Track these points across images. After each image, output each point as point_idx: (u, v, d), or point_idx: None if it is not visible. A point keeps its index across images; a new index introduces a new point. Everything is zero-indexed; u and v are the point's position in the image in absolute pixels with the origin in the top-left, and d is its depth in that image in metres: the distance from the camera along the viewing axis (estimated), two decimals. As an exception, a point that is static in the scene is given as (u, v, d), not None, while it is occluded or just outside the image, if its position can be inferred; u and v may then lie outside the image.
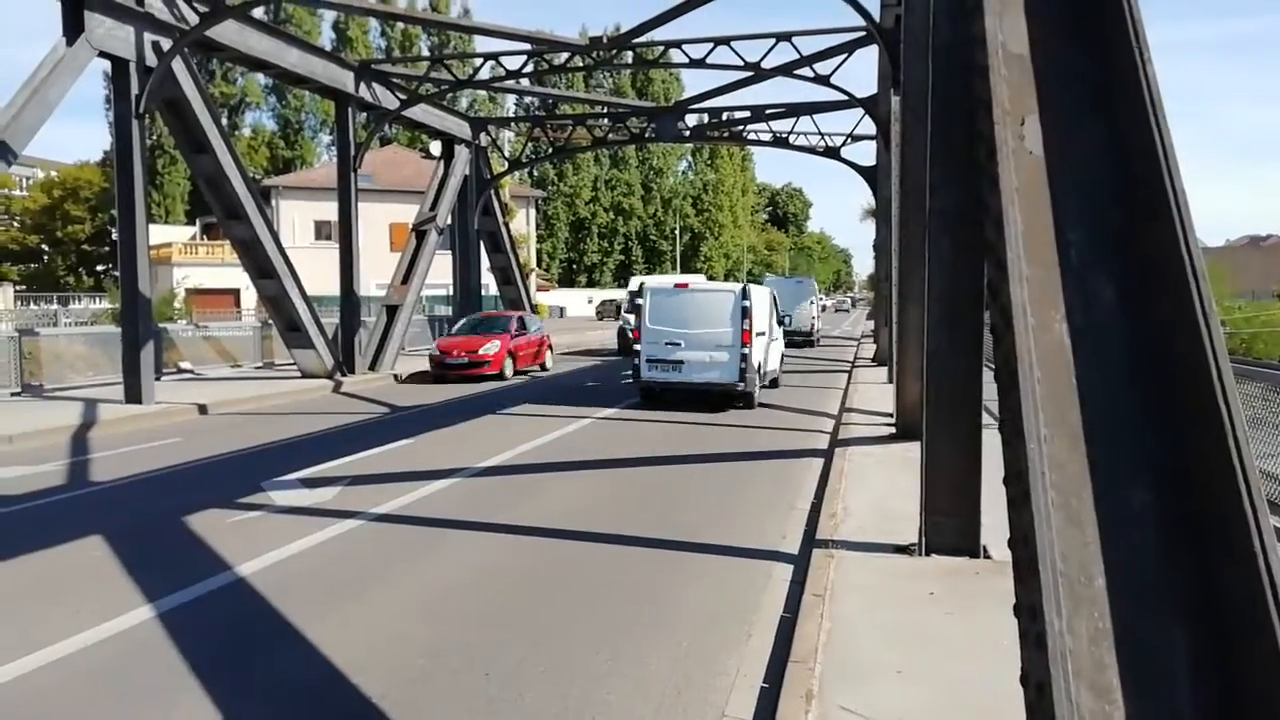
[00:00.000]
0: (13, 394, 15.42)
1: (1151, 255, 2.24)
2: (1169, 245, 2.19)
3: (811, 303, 30.83)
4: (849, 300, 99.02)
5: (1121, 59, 2.39)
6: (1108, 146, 2.39)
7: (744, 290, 14.21)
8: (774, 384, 16.72)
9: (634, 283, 24.38)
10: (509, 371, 19.36)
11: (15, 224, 52.56)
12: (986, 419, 5.83)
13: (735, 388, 13.93)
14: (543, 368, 21.28)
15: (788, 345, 20.71)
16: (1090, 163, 2.40)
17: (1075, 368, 2.18)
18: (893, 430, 11.03)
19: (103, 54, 13.53)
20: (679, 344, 14.08)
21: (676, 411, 14.14)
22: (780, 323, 17.45)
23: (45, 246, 50.53)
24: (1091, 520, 2.02)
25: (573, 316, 57.06)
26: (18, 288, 42.24)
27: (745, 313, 13.82)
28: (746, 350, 13.78)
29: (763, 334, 14.80)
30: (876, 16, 14.95)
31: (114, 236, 24.20)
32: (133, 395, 14.24)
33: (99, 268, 48.70)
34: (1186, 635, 1.91)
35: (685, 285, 15.18)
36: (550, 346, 21.94)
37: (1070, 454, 2.09)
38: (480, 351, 19.01)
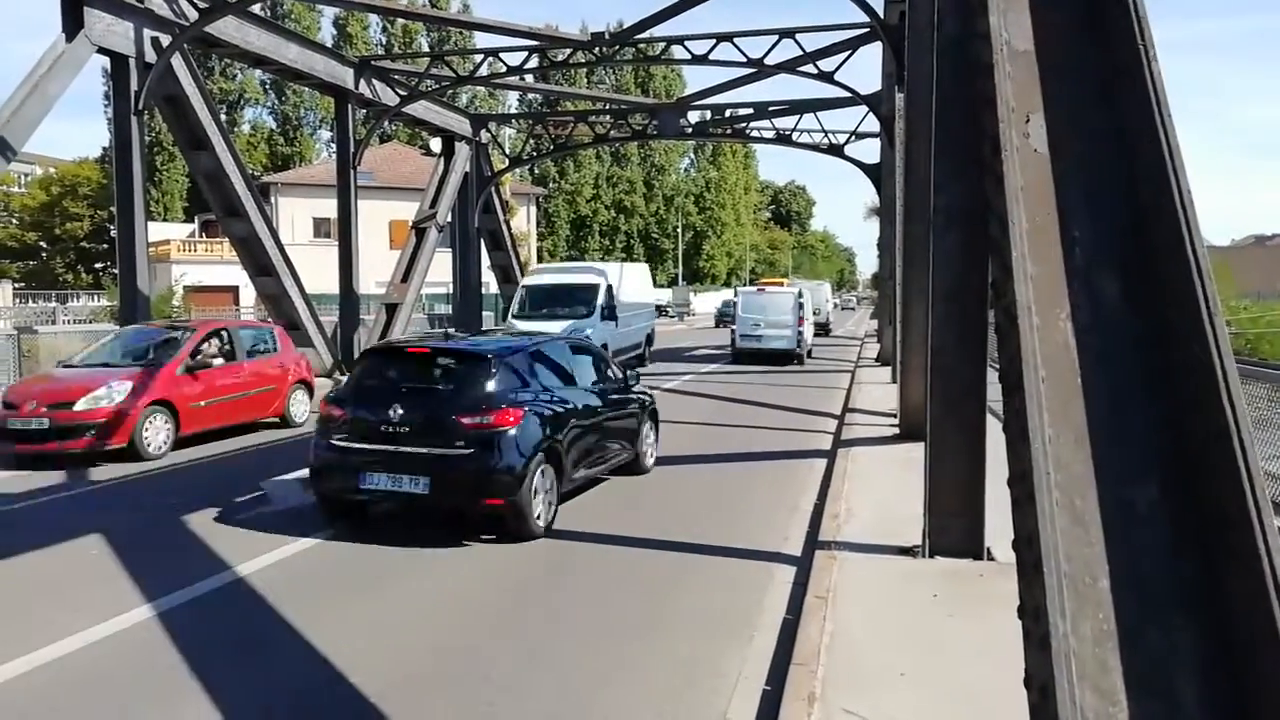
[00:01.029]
0: (13, 391, 15.39)
1: (1156, 254, 2.23)
2: (1174, 244, 2.17)
3: (828, 300, 40.80)
4: (854, 299, 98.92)
5: (1126, 56, 2.37)
6: (1113, 144, 2.38)
7: (800, 291, 23.30)
8: (809, 354, 23.64)
9: (528, 278, 22.94)
10: (155, 444, 10.17)
11: (14, 221, 52.40)
12: (991, 419, 5.80)
13: (793, 351, 22.44)
14: (284, 421, 12.47)
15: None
16: (1095, 160, 2.38)
17: (1080, 367, 2.17)
18: (896, 431, 10.98)
19: (102, 50, 13.49)
20: (760, 324, 22.68)
21: (678, 410, 14.20)
22: (814, 314, 26.60)
23: (43, 244, 50.39)
24: (1096, 521, 2.00)
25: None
26: (16, 285, 42.10)
27: (801, 306, 22.58)
28: (801, 329, 22.51)
29: (807, 319, 23.28)
30: (881, 12, 14.89)
31: (112, 234, 24.10)
32: (133, 393, 14.21)
33: (97, 265, 48.52)
34: (1191, 637, 1.89)
35: (764, 289, 24.45)
36: (307, 382, 13.11)
37: (1075, 454, 2.07)
38: (76, 407, 9.79)
